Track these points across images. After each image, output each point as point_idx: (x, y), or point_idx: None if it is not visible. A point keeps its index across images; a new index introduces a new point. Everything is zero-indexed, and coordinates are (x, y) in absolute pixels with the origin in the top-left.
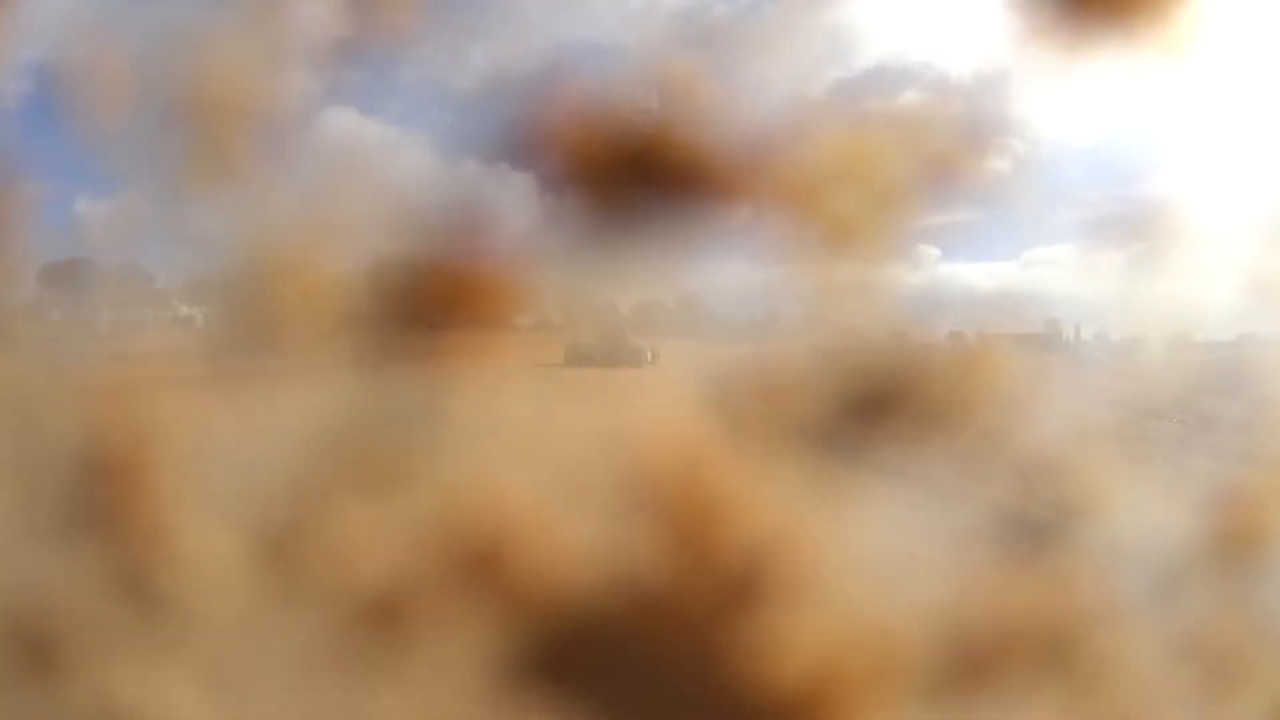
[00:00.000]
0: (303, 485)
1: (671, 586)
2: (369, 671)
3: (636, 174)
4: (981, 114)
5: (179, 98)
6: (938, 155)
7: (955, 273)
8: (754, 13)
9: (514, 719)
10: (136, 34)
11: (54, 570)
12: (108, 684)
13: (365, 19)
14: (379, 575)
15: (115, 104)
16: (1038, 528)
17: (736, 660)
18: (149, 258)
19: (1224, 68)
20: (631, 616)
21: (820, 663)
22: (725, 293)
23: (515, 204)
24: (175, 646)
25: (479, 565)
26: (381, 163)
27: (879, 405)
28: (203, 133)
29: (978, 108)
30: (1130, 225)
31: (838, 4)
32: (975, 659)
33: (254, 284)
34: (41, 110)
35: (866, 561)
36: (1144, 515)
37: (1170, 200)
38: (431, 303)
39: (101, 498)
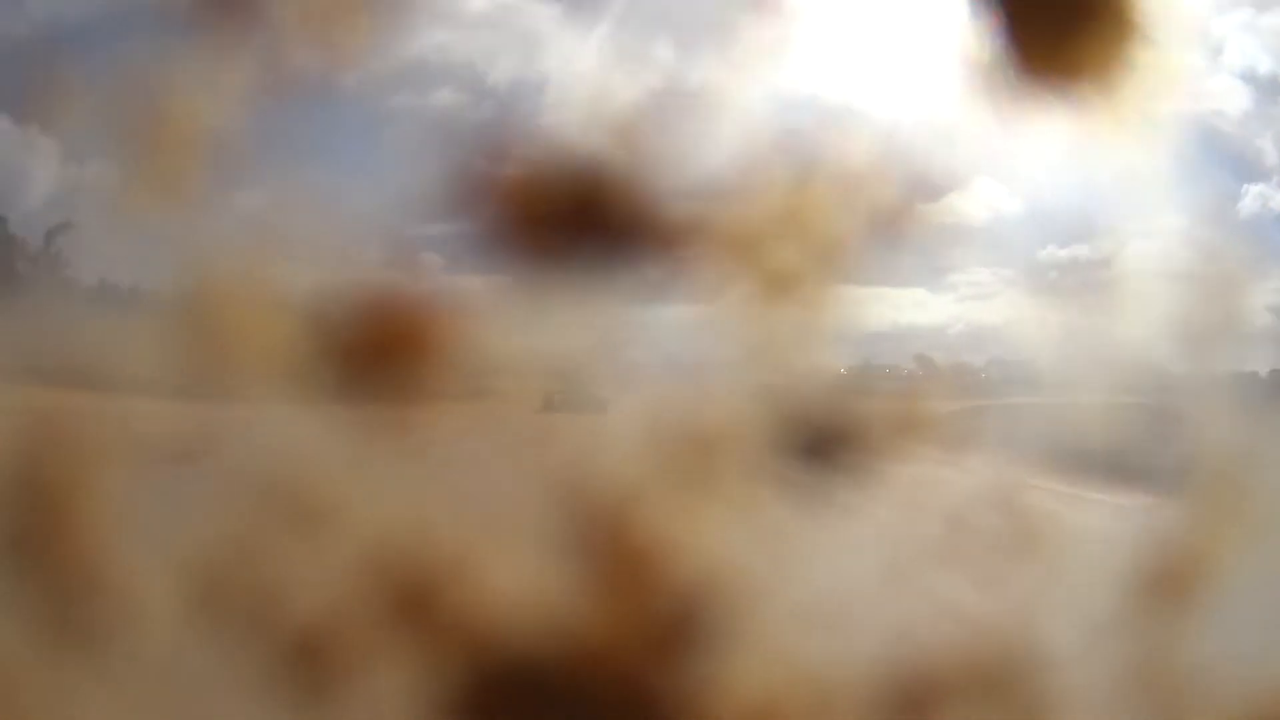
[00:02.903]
0: (236, 521)
1: (606, 629)
2: (299, 709)
3: (580, 222)
4: (925, 169)
5: (129, 123)
6: (881, 209)
7: (897, 320)
8: (701, 65)
9: None
10: (92, 58)
11: None
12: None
13: (312, 58)
14: (311, 611)
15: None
16: (976, 566)
17: (672, 705)
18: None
19: (1164, 129)
20: (565, 659)
21: (757, 707)
22: (666, 339)
23: (457, 249)
24: (104, 681)
25: (411, 605)
26: (325, 204)
27: (816, 447)
28: (149, 159)
29: (922, 163)
30: (1071, 279)
31: (786, 57)
32: (914, 700)
33: (194, 313)
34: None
35: (804, 603)
36: (1081, 555)
37: (1110, 255)
38: (370, 344)
39: (31, 525)
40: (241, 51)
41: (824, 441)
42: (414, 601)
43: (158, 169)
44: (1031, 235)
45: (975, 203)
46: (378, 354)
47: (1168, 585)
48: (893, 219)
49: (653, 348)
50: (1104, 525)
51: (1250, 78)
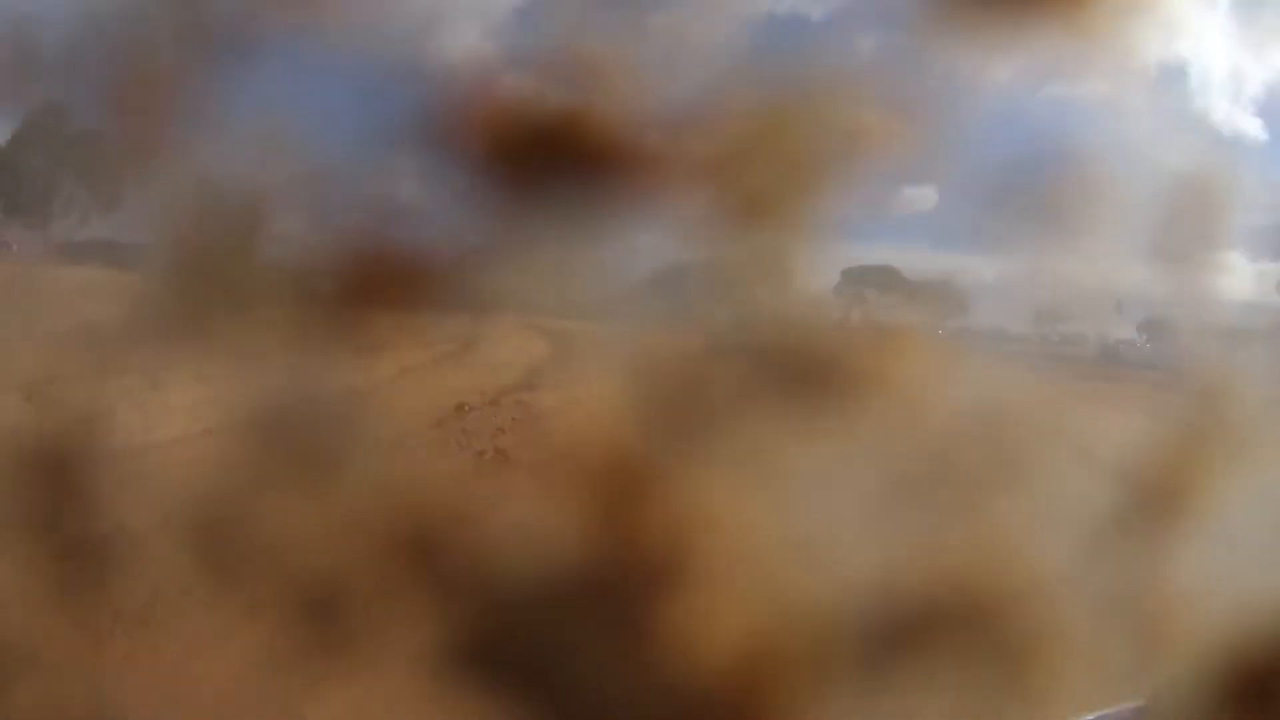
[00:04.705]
0: (235, 475)
1: (599, 568)
2: (305, 663)
3: (549, 153)
4: (895, 90)
5: (106, 80)
6: (851, 131)
7: (864, 258)
8: None
9: (449, 706)
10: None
11: None
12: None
13: (280, 3)
14: (310, 563)
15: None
16: (961, 497)
17: (665, 640)
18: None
19: (1137, 44)
20: (561, 600)
21: (748, 641)
22: (641, 270)
23: (430, 186)
24: (111, 632)
25: (410, 555)
26: (298, 147)
27: (796, 379)
28: (127, 115)
29: (892, 83)
30: (1042, 200)
31: None
32: (903, 630)
33: (180, 265)
34: None
35: (789, 536)
36: (1065, 480)
37: (1082, 174)
38: (351, 286)
39: (34, 490)
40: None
41: (805, 369)
42: (417, 550)
43: (131, 126)
44: (1001, 160)
45: (942, 126)
46: (359, 296)
47: (1153, 509)
48: (862, 140)
49: (631, 278)
50: (1088, 447)
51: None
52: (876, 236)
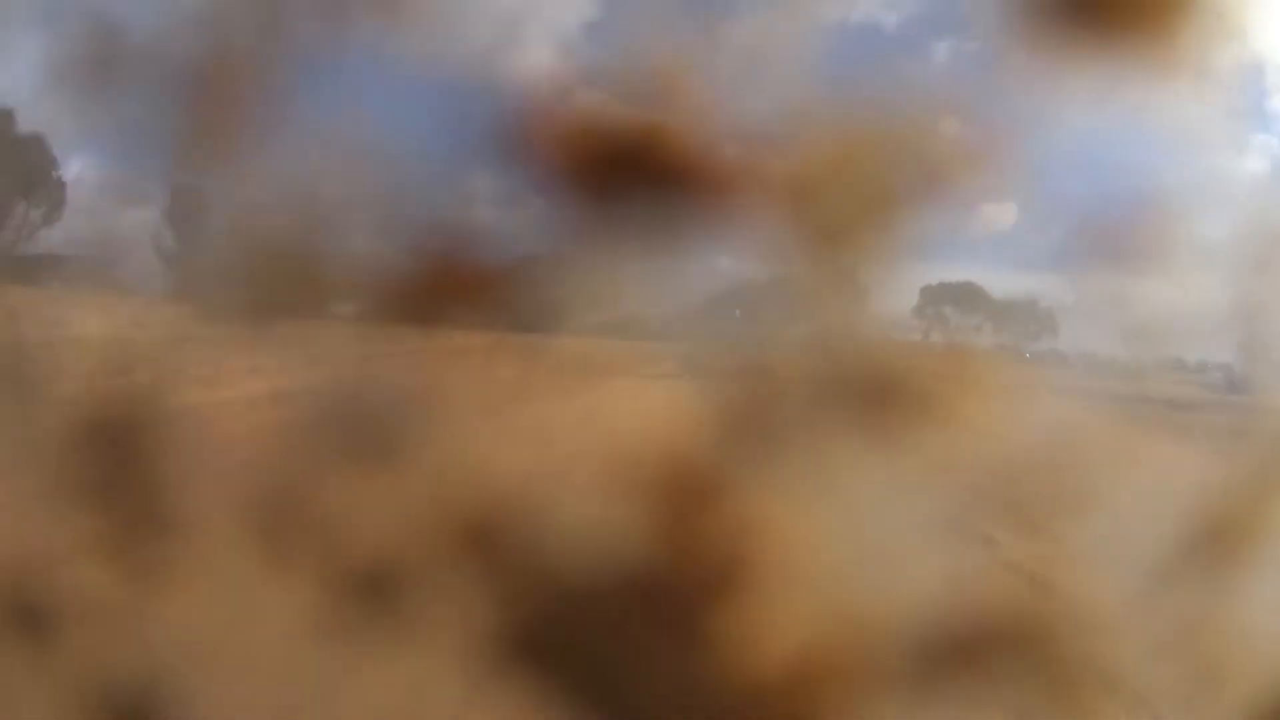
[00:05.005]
0: (298, 457)
1: (658, 571)
2: (358, 643)
3: (627, 171)
4: (977, 121)
5: (181, 82)
6: (931, 161)
7: (944, 277)
8: (752, 11)
9: (499, 695)
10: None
11: (48, 535)
12: (100, 651)
13: (358, 9)
14: (371, 549)
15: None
16: (1025, 522)
17: (720, 645)
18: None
19: (1221, 79)
20: (618, 598)
21: (802, 650)
22: (715, 290)
23: (507, 200)
24: (168, 610)
25: (470, 542)
26: (374, 157)
27: (867, 398)
28: (200, 117)
29: (973, 114)
30: (1125, 238)
31: (837, 5)
32: (956, 651)
33: (252, 261)
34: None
35: (851, 552)
36: (1128, 513)
37: (1165, 213)
38: (425, 289)
39: (97, 461)
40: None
41: (874, 388)
42: (473, 537)
43: (209, 130)
44: (1083, 190)
45: (1024, 154)
46: (437, 303)
47: (1220, 543)
48: (942, 170)
49: (704, 294)
50: (1158, 480)
51: None
52: (956, 256)
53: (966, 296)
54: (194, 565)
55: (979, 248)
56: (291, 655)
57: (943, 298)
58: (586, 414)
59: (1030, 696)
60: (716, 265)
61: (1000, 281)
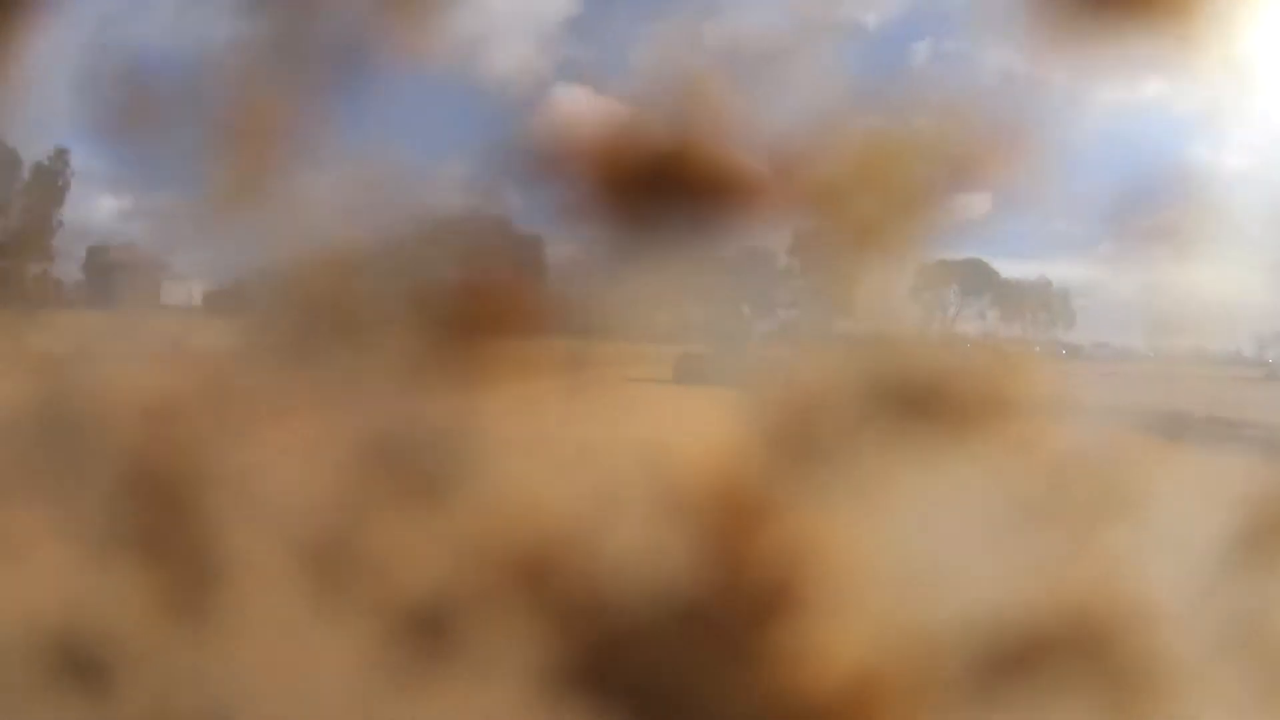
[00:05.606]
0: (348, 497)
1: (710, 595)
2: (414, 683)
3: (662, 186)
4: (1003, 114)
5: (215, 112)
6: (960, 157)
7: (982, 272)
8: (773, 19)
9: None
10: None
11: (101, 586)
12: (157, 700)
13: (387, 33)
14: (423, 587)
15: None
16: (1076, 525)
17: (776, 668)
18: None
19: (1250, 60)
20: (672, 626)
21: (859, 669)
22: (753, 300)
23: (543, 218)
24: (222, 659)
25: (522, 576)
26: (411, 178)
27: (911, 407)
28: (238, 147)
29: (999, 108)
30: (1158, 224)
31: (856, 8)
32: (1014, 661)
33: (293, 296)
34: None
35: (903, 566)
36: (1182, 512)
37: (1200, 197)
38: (466, 317)
39: (147, 511)
40: (312, 32)
41: (919, 398)
42: (526, 570)
43: (242, 160)
44: (1118, 182)
45: (1057, 149)
46: (473, 326)
47: (1270, 545)
48: (972, 166)
49: (739, 307)
50: (1205, 483)
51: None
52: (968, 246)
53: (972, 275)
54: (247, 611)
55: (992, 237)
56: (348, 697)
57: (946, 277)
58: (633, 437)
59: (1092, 703)
60: (750, 274)
61: (1016, 269)
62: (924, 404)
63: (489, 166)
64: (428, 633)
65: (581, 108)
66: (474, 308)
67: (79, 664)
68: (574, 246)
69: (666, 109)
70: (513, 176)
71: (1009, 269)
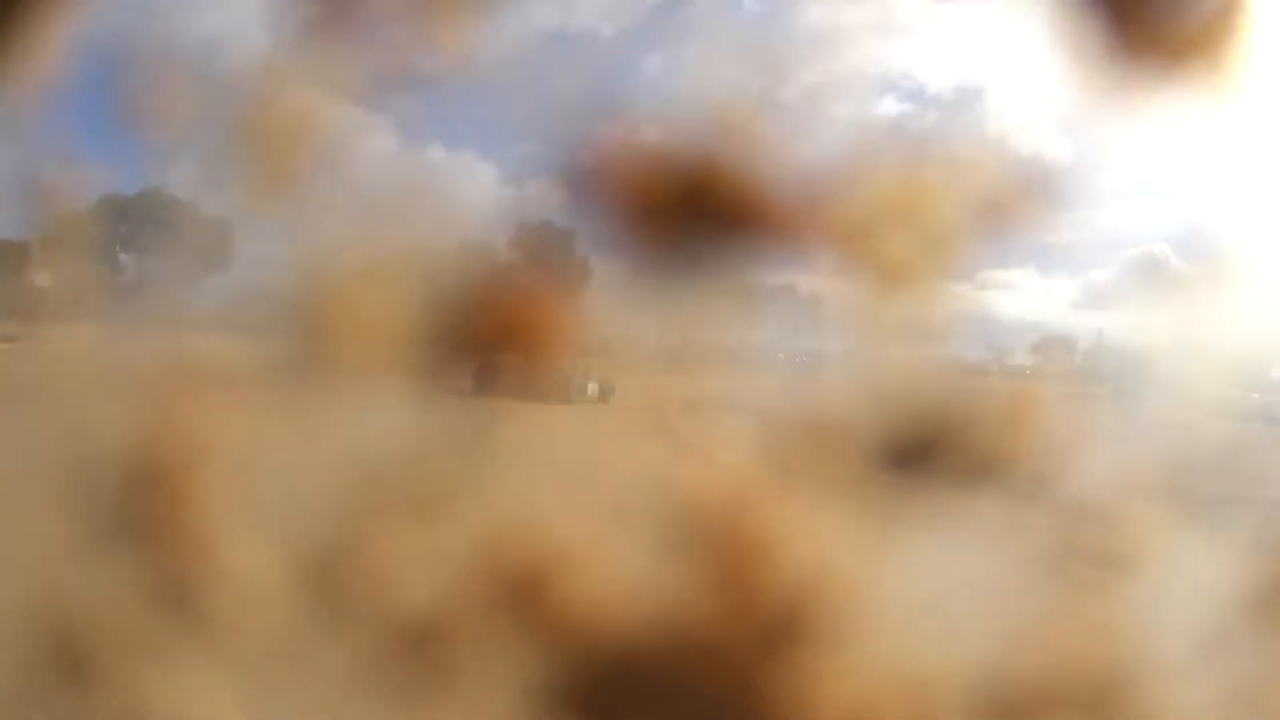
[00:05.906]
0: (349, 506)
1: (714, 625)
2: (407, 695)
3: (692, 210)
4: (1036, 157)
5: (241, 119)
6: (992, 199)
7: (1007, 313)
8: (811, 51)
9: None
10: (199, 53)
11: (95, 580)
12: (145, 695)
13: (426, 48)
14: (421, 600)
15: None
16: (1083, 575)
17: (777, 701)
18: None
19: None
20: (672, 653)
21: (860, 707)
22: (777, 329)
23: (572, 237)
24: (214, 661)
25: (521, 595)
26: (440, 190)
27: (927, 446)
28: (263, 154)
29: (1032, 151)
30: (1184, 267)
31: (894, 45)
32: (1017, 708)
33: (309, 304)
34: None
35: (910, 605)
36: (1191, 566)
37: (1225, 242)
38: (485, 331)
39: (146, 507)
40: (353, 43)
41: (933, 440)
42: (523, 593)
43: (273, 166)
44: (1145, 226)
45: (1087, 193)
46: (492, 341)
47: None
48: (1004, 208)
49: (764, 338)
50: (1216, 533)
51: None
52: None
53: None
54: (241, 620)
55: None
56: (341, 711)
57: (993, 338)
58: (641, 461)
59: None
60: (778, 305)
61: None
62: (941, 442)
63: (522, 186)
64: (423, 646)
65: (618, 132)
66: (495, 324)
67: (69, 660)
68: (603, 270)
69: (699, 138)
70: (546, 198)
71: (1036, 311)
